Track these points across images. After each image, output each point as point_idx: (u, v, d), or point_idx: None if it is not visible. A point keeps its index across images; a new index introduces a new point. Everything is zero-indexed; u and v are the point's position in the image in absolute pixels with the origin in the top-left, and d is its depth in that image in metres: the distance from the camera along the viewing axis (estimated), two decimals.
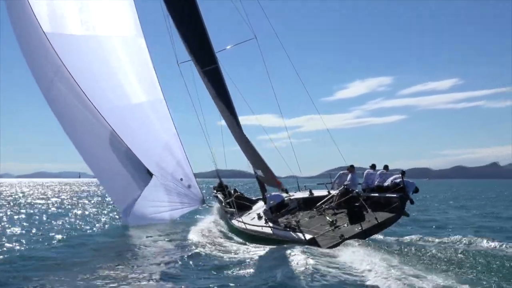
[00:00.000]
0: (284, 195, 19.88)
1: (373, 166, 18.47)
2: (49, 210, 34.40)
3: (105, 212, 32.70)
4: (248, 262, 13.64)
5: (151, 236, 19.04)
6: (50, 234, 20.23)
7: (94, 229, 22.60)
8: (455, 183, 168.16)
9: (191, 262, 13.58)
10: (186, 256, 14.50)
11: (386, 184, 16.95)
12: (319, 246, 14.33)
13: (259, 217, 19.14)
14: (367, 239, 14.86)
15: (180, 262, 13.68)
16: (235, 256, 14.74)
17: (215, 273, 12.31)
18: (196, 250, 15.42)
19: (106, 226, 23.94)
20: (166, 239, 18.25)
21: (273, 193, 19.85)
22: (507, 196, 65.45)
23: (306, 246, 14.13)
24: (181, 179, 22.02)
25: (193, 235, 18.76)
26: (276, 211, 18.34)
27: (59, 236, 19.44)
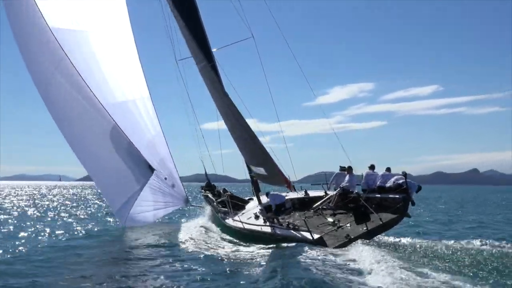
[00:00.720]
0: (283, 194, 19.62)
1: (372, 167, 18.18)
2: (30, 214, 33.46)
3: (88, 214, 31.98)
4: (251, 263, 13.35)
5: (139, 239, 18.56)
6: (37, 237, 19.38)
7: (78, 232, 21.41)
8: (438, 189, 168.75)
9: (185, 266, 13.16)
10: (180, 260, 14.07)
11: (388, 185, 16.77)
12: (326, 245, 14.17)
13: (256, 217, 18.82)
14: (371, 239, 15.03)
15: (173, 267, 13.20)
16: (236, 257, 14.45)
17: (219, 276, 11.94)
18: (190, 252, 15.19)
19: (89, 230, 22.56)
20: (155, 244, 17.45)
21: (274, 193, 19.51)
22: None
23: (313, 246, 13.97)
24: (165, 178, 21.73)
25: (185, 238, 18.34)
26: (272, 211, 18.08)
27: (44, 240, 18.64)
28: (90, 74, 19.70)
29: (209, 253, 14.97)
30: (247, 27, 21.33)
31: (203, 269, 12.58)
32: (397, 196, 16.01)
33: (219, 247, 16.57)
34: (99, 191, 22.48)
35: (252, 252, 15.29)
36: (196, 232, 20.13)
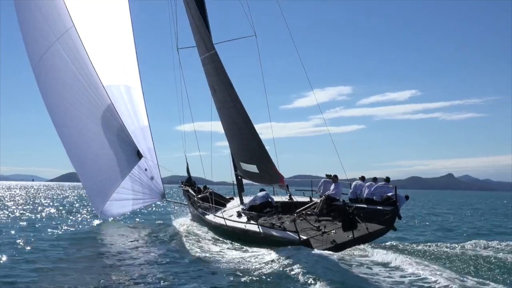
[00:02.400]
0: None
1: (362, 178, 18.41)
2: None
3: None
4: (229, 262, 13.60)
5: (124, 235, 18.58)
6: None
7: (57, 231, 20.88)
8: (416, 194, 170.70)
9: (163, 267, 13.22)
10: (163, 259, 14.14)
11: (376, 198, 16.83)
12: (311, 248, 14.20)
13: (239, 215, 18.73)
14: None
15: (157, 266, 13.33)
16: (218, 256, 14.71)
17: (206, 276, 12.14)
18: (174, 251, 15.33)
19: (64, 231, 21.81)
20: (136, 245, 17.22)
21: (263, 192, 19.25)
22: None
23: (299, 247, 14.21)
24: (146, 170, 21.00)
25: (166, 238, 18.58)
26: (255, 210, 18.08)
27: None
28: (90, 51, 19.08)
29: (195, 253, 15.09)
30: (251, 25, 21.04)
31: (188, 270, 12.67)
32: (386, 208, 15.93)
33: (207, 246, 16.63)
34: (79, 177, 21.56)
35: (229, 251, 15.51)
36: (179, 231, 20.24)
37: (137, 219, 27.69)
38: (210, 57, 20.06)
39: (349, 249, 14.92)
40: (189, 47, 22.56)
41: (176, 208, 31.58)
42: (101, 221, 23.39)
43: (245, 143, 20.03)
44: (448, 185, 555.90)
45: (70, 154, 20.87)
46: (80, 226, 23.50)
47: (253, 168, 20.09)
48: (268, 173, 19.38)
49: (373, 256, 14.16)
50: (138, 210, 22.89)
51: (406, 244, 17.71)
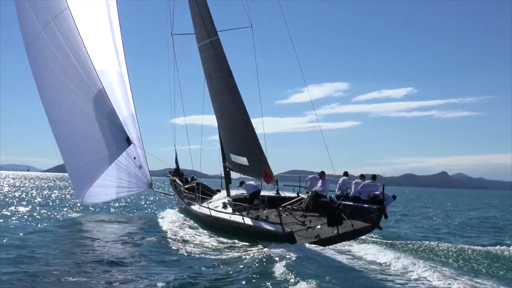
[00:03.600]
0: (244, 191, 19.98)
1: (345, 174, 18.48)
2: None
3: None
4: (208, 255, 13.57)
5: (107, 223, 18.27)
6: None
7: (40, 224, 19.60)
8: (412, 191, 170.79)
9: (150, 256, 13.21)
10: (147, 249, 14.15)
11: (363, 197, 16.82)
12: (295, 242, 14.26)
13: (225, 206, 18.68)
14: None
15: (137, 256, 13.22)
16: (206, 248, 14.71)
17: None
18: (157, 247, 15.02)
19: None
20: (125, 239, 16.83)
21: (248, 182, 19.51)
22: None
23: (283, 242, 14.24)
24: (134, 158, 21.03)
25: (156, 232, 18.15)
26: (242, 202, 18.14)
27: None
28: (83, 35, 19.23)
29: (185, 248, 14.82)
30: (248, 15, 20.72)
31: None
32: (373, 206, 15.99)
33: (196, 240, 16.47)
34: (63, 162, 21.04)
35: (218, 244, 15.42)
36: (162, 223, 20.17)
37: (119, 211, 27.42)
38: (211, 44, 19.73)
39: (333, 245, 14.92)
40: (184, 33, 22.52)
41: (166, 200, 31.57)
42: (79, 214, 23.24)
43: (237, 134, 19.85)
44: (441, 183, 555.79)
45: (57, 135, 20.55)
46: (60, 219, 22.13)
47: (243, 160, 19.99)
48: (259, 166, 19.27)
49: (359, 252, 14.32)
50: (123, 198, 22.73)
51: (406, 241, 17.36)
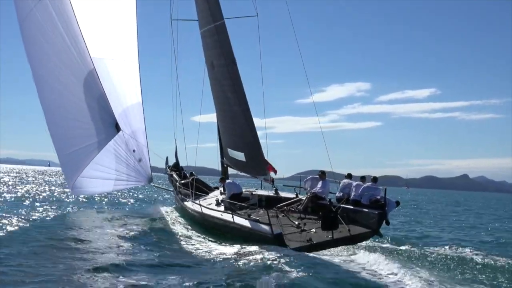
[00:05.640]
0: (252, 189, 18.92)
1: (349, 176, 17.34)
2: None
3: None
4: (201, 257, 13.11)
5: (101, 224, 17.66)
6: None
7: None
8: (434, 194, 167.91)
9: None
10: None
11: (364, 201, 15.65)
12: (284, 244, 13.34)
13: (218, 203, 17.85)
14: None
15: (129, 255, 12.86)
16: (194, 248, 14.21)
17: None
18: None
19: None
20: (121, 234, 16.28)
21: (230, 181, 18.49)
22: None
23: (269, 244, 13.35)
24: (134, 151, 19.97)
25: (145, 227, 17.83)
26: (237, 200, 17.29)
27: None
28: (82, 18, 18.18)
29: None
30: (254, 5, 19.72)
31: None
32: (374, 211, 14.88)
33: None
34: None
35: (207, 246, 14.66)
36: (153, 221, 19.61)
37: (122, 208, 26.88)
38: (215, 29, 18.64)
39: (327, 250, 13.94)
40: (186, 19, 21.62)
41: (168, 196, 30.93)
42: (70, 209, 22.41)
43: (235, 127, 18.90)
44: (463, 185, 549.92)
45: (48, 119, 19.67)
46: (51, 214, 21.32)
47: (240, 156, 19.01)
48: (256, 162, 18.28)
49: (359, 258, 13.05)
50: (121, 191, 21.85)
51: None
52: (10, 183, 52.15)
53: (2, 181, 55.93)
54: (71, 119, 18.97)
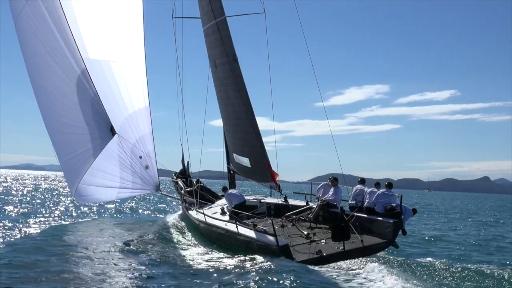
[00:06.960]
0: (250, 198, 17.92)
1: (362, 181, 16.23)
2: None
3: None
4: (203, 267, 12.31)
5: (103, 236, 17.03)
6: None
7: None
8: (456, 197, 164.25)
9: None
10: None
11: (378, 210, 14.62)
12: (291, 257, 12.32)
13: (223, 212, 17.07)
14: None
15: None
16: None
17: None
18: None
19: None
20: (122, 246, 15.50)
21: (232, 192, 17.47)
22: None
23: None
24: (140, 157, 18.87)
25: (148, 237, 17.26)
26: (243, 210, 16.28)
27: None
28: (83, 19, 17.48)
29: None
30: (261, 1, 18.53)
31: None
32: (389, 220, 13.83)
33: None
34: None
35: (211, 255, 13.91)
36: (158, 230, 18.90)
37: (124, 216, 26.29)
38: (217, 25, 17.92)
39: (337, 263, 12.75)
40: (187, 17, 20.71)
41: (175, 204, 30.09)
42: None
43: (240, 131, 17.97)
44: (483, 188, 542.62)
45: (46, 123, 18.97)
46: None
47: (245, 161, 18.08)
48: (261, 168, 17.29)
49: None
50: (125, 199, 20.99)
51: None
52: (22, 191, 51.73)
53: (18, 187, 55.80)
54: (67, 125, 18.19)
